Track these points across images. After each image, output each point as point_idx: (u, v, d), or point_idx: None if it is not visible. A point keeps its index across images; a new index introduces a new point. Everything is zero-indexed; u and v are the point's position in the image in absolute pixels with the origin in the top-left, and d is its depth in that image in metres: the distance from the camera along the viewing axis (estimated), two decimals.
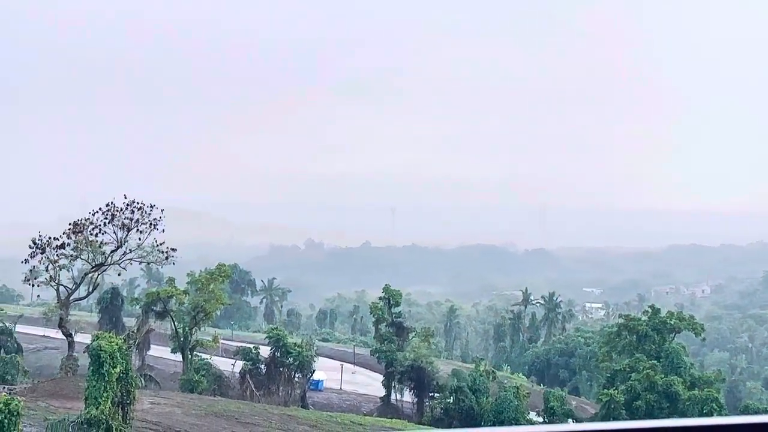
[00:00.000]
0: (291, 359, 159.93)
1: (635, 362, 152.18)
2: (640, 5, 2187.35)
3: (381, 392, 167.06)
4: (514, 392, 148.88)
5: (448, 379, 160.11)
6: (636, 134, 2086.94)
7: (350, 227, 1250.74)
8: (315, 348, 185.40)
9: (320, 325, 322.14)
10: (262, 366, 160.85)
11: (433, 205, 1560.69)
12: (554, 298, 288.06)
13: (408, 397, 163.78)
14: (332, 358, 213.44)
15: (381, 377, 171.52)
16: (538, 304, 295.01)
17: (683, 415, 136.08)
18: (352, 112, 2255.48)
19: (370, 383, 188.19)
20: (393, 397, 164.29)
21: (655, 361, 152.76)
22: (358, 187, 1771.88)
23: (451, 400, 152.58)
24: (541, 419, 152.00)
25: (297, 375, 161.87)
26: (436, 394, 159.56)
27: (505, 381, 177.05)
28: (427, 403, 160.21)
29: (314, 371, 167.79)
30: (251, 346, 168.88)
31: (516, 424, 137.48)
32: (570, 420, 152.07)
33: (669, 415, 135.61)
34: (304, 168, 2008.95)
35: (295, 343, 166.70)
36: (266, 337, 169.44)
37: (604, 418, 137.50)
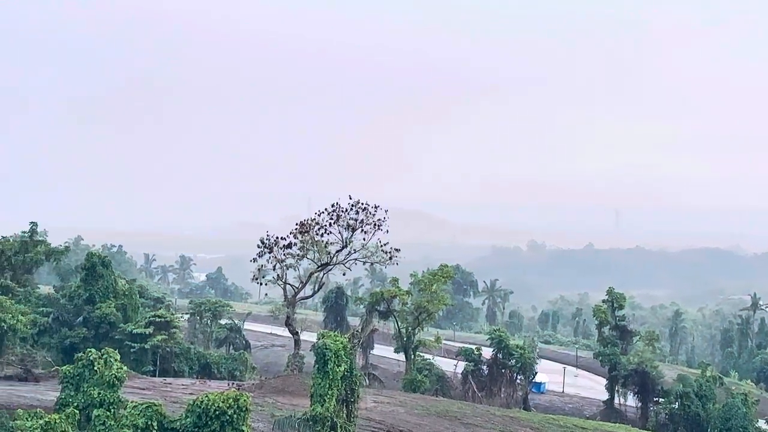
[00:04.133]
0: (513, 361, 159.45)
1: None
2: None
3: (604, 396, 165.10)
4: (742, 399, 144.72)
5: (673, 385, 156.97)
6: None
7: (573, 228, 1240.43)
8: (537, 350, 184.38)
9: (542, 327, 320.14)
10: (484, 367, 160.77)
11: (658, 206, 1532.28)
12: None
13: (632, 401, 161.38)
14: (554, 361, 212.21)
15: (604, 381, 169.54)
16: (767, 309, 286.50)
17: None
18: (576, 113, 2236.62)
19: (592, 386, 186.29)
20: (616, 401, 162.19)
21: None
22: (582, 188, 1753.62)
23: (677, 406, 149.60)
24: None
25: (519, 377, 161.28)
26: (660, 399, 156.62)
27: (733, 387, 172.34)
28: (651, 408, 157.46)
29: (536, 373, 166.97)
30: (473, 346, 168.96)
31: None
32: None
33: None
34: (526, 169, 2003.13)
35: (517, 345, 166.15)
36: (488, 338, 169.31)
37: None
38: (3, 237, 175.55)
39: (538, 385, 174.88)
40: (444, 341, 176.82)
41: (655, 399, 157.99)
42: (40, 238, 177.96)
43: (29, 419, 71.95)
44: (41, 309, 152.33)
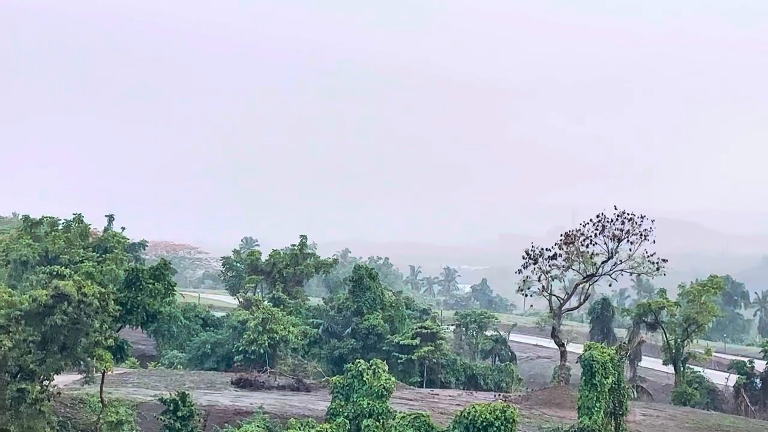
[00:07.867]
0: None
1: None
2: None
3: None
4: None
5: None
6: None
7: None
8: None
9: None
10: (758, 380, 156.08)
11: None
12: None
13: None
14: None
15: None
16: None
17: None
18: None
19: None
20: None
21: None
22: None
23: None
24: None
25: None
26: None
27: None
28: None
29: None
30: (745, 359, 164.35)
31: None
32: None
33: None
34: None
35: None
36: (761, 351, 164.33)
37: None
38: (274, 250, 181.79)
39: None
40: (714, 353, 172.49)
41: None
42: (310, 251, 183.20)
43: (301, 428, 74.09)
44: (311, 320, 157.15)
